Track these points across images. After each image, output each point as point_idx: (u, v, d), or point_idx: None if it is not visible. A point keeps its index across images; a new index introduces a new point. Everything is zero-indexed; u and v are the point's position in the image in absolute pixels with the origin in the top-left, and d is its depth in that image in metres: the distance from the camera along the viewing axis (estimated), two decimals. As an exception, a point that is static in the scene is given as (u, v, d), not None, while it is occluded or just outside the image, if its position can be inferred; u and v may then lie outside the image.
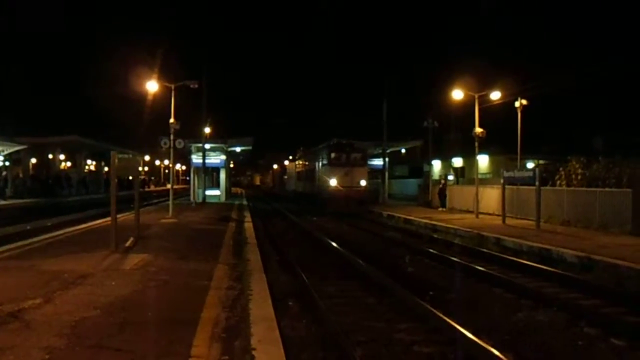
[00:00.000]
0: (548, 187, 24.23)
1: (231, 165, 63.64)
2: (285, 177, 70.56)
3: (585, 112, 55.39)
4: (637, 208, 18.55)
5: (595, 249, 14.81)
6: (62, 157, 56.92)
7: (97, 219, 23.22)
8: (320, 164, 36.92)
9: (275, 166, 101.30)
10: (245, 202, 43.38)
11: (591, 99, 54.22)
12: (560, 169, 25.02)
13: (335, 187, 33.83)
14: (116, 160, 14.24)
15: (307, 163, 44.91)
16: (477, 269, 13.75)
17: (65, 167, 62.06)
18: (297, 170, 51.88)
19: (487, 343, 7.51)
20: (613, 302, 10.39)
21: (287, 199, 55.82)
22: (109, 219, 15.09)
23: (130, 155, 29.64)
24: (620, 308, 10.04)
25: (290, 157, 72.70)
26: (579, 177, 23.55)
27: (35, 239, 15.89)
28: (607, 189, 21.27)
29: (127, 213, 22.31)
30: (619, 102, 55.51)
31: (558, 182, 24.67)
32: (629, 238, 17.61)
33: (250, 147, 48.99)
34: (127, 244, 14.06)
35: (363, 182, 34.74)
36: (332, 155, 34.87)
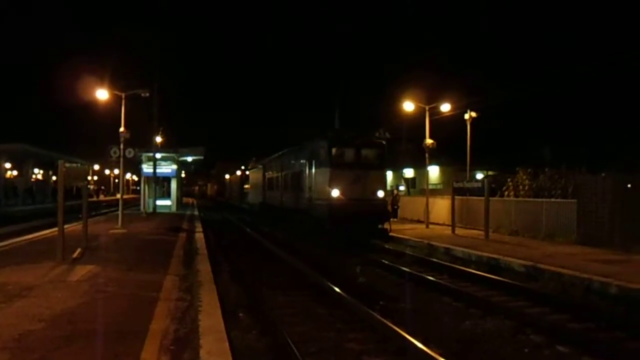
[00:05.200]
0: (497, 198, 24.72)
1: (183, 175, 62.94)
2: (247, 186, 58.46)
3: (534, 123, 56.74)
4: (582, 218, 19.06)
5: (542, 258, 15.16)
6: (8, 165, 55.50)
7: (44, 229, 22.67)
8: (312, 166, 24.55)
9: (227, 176, 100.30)
10: (196, 213, 42.92)
11: (540, 110, 55.65)
12: (509, 180, 25.58)
13: (339, 199, 22.09)
14: (64, 169, 13.98)
15: (286, 166, 31.57)
16: (427, 278, 13.94)
17: (11, 176, 60.54)
18: (269, 176, 38.21)
19: (436, 352, 7.63)
20: (558, 310, 10.66)
21: (250, 213, 46.10)
22: (56, 229, 14.77)
23: (79, 164, 29.11)
24: (565, 315, 10.31)
25: (243, 167, 71.15)
26: (526, 187, 24.12)
27: (-22, 251, 15.45)
28: (553, 200, 21.84)
29: (75, 223, 21.86)
30: (567, 113, 57.05)
31: (506, 192, 25.21)
32: (574, 247, 18.08)
33: (202, 157, 48.60)
34: (75, 255, 13.76)
35: (380, 193, 22.97)
36: (334, 151, 23.06)
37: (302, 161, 26.87)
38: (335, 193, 22.19)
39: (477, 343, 8.70)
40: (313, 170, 24.45)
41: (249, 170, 57.38)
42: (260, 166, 43.06)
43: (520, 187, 24.47)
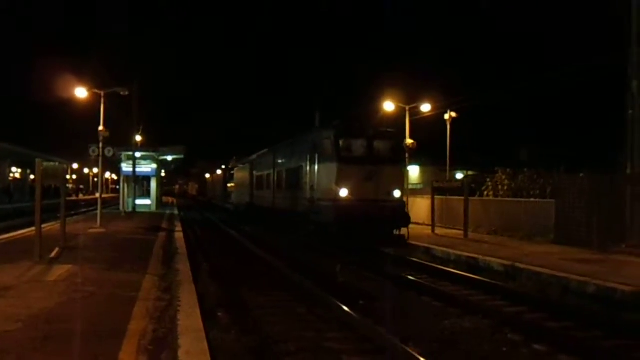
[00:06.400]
0: (476, 198, 24.91)
1: (163, 174, 62.60)
2: (231, 184, 54.85)
3: (514, 124, 57.23)
4: (560, 218, 19.26)
5: (520, 258, 15.28)
6: (-16, 164, 54.91)
7: (21, 228, 22.43)
8: (315, 161, 21.09)
9: (208, 175, 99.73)
10: (176, 212, 42.66)
11: (520, 111, 56.11)
12: (488, 180, 25.77)
13: (347, 200, 19.23)
14: (41, 168, 13.84)
15: (279, 162, 28.03)
16: (406, 277, 13.99)
17: (-12, 175, 59.88)
18: (258, 174, 34.48)
19: (415, 351, 7.66)
20: (536, 309, 10.74)
21: (235, 215, 43.37)
22: (33, 228, 14.63)
23: (57, 163, 28.81)
24: (543, 314, 10.39)
25: (224, 166, 70.29)
26: (506, 187, 24.33)
27: (-46, 250, 15.25)
28: (532, 200, 22.07)
29: (53, 223, 21.64)
30: (546, 114, 57.61)
31: (485, 192, 25.40)
32: (552, 247, 18.27)
33: (182, 156, 48.40)
34: (53, 254, 13.63)
35: (397, 193, 20.11)
36: (342, 143, 20.00)
37: (301, 155, 23.16)
38: (344, 193, 19.10)
39: (456, 342, 8.74)
40: (316, 166, 20.86)
41: (234, 168, 53.07)
42: (247, 163, 39.58)
43: (500, 187, 24.67)
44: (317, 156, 20.85)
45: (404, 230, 19.64)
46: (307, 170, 21.96)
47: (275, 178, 28.51)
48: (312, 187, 21.03)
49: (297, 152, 24.15)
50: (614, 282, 11.59)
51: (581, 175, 19.91)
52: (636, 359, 7.98)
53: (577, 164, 24.82)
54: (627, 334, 8.91)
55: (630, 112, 17.83)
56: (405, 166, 21.47)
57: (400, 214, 19.63)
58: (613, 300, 11.07)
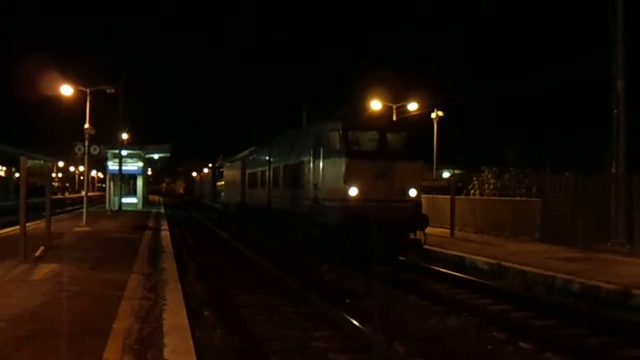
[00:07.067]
0: (462, 197, 24.99)
1: (149, 173, 62.36)
2: (221, 183, 51.87)
3: (502, 123, 57.50)
4: (545, 217, 19.37)
5: (506, 256, 15.35)
6: (-32, 162, 54.49)
7: (5, 227, 22.26)
8: (320, 156, 18.48)
9: (194, 174, 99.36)
10: (163, 211, 42.50)
11: (507, 111, 56.39)
12: (474, 179, 25.87)
13: (357, 200, 16.79)
14: (26, 166, 13.74)
15: (276, 158, 25.49)
16: (392, 276, 14.02)
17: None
18: (251, 171, 31.97)
19: (401, 349, 7.68)
20: (521, 307, 10.78)
21: (224, 215, 41.21)
22: (17, 227, 14.51)
23: (42, 161, 28.64)
24: (528, 312, 10.43)
25: (211, 164, 69.76)
26: (492, 186, 24.41)
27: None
28: (518, 199, 22.18)
29: (38, 221, 21.50)
30: (532, 114, 57.92)
31: (472, 191, 25.49)
32: (538, 245, 18.38)
33: (168, 154, 48.21)
34: (37, 253, 13.55)
35: (412, 192, 17.47)
36: (350, 135, 17.55)
37: (303, 150, 20.50)
38: (353, 192, 16.76)
39: (442, 340, 8.76)
40: (320, 161, 18.35)
41: (222, 166, 50.83)
42: (238, 160, 36.99)
43: (486, 186, 24.77)
44: (321, 151, 18.33)
45: (419, 234, 17.49)
46: (309, 167, 19.38)
47: (271, 175, 26.03)
48: (315, 185, 18.56)
49: (298, 146, 21.52)
50: (598, 281, 11.68)
51: (566, 174, 20.04)
52: (620, 357, 8.03)
53: (562, 163, 25.02)
54: (611, 332, 8.97)
55: (615, 111, 17.94)
56: (422, 162, 18.49)
57: (416, 216, 17.32)
58: (598, 298, 11.17)
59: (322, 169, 18.13)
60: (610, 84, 18.15)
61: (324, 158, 18.13)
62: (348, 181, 16.75)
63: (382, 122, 18.10)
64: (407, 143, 18.06)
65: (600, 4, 18.43)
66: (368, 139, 17.66)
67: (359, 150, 17.30)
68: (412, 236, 17.21)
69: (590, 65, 22.16)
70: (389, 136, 17.78)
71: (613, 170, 18.03)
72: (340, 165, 17.12)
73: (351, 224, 16.30)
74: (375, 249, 15.40)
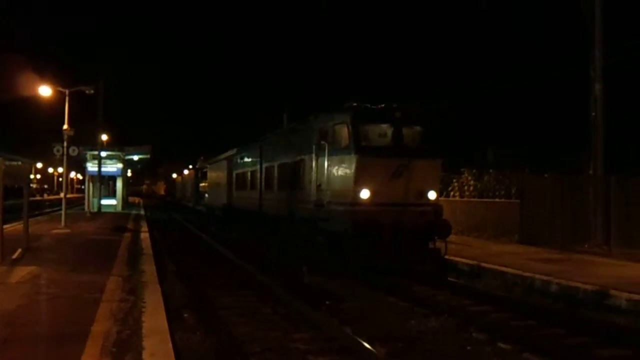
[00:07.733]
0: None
1: (129, 174, 61.91)
2: (204, 184, 49.16)
3: (481, 124, 57.68)
4: (525, 218, 19.54)
5: (486, 257, 15.45)
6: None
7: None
8: (324, 153, 15.89)
9: (175, 175, 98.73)
10: (143, 212, 42.21)
11: (485, 111, 56.59)
12: (454, 180, 25.97)
13: (369, 203, 14.47)
14: (3, 167, 13.59)
15: (270, 155, 22.79)
16: (373, 278, 14.01)
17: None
18: (239, 172, 29.24)
19: (380, 350, 7.70)
20: (500, 308, 10.86)
21: (209, 218, 38.71)
22: (-5, 229, 14.35)
23: (20, 163, 28.33)
24: (507, 313, 10.50)
25: (191, 165, 69.03)
26: (471, 188, 24.56)
27: None
28: (497, 200, 22.34)
29: (16, 223, 21.25)
30: (511, 115, 58.20)
31: (452, 193, 25.60)
32: (518, 246, 18.53)
33: (148, 156, 47.83)
34: (15, 255, 13.41)
35: (432, 195, 15.33)
36: (360, 129, 15.07)
37: (302, 147, 17.99)
38: (365, 194, 14.43)
39: (422, 341, 8.79)
40: (325, 159, 15.81)
41: (205, 167, 48.09)
42: (224, 160, 34.30)
43: (466, 187, 24.91)
44: (326, 147, 15.78)
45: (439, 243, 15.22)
46: (311, 165, 16.84)
47: (263, 176, 23.45)
48: (319, 186, 16.16)
49: (297, 143, 19.05)
50: (576, 281, 11.80)
51: (545, 175, 20.22)
52: (598, 356, 8.11)
53: (542, 164, 25.17)
54: (589, 332, 9.06)
55: (593, 114, 18.14)
56: (442, 159, 16.34)
57: (435, 221, 14.97)
58: (576, 299, 11.30)
59: (327, 168, 15.77)
60: (588, 87, 18.34)
61: (329, 155, 15.72)
62: (358, 182, 14.55)
63: (397, 113, 15.51)
64: (425, 137, 15.86)
65: (579, 9, 18.62)
66: (381, 132, 15.39)
67: (371, 146, 14.99)
68: (430, 245, 15.07)
69: (569, 66, 22.30)
70: (406, 130, 15.49)
71: (591, 172, 18.22)
72: (349, 163, 14.89)
73: (362, 231, 14.00)
74: (391, 260, 14.06)
